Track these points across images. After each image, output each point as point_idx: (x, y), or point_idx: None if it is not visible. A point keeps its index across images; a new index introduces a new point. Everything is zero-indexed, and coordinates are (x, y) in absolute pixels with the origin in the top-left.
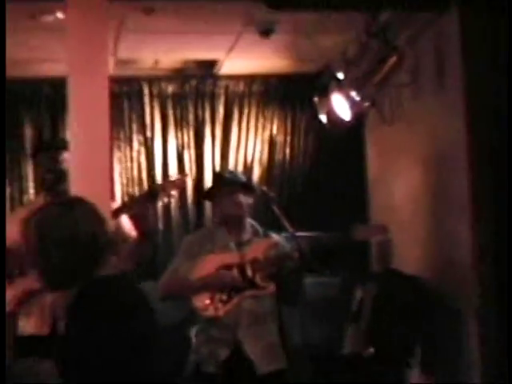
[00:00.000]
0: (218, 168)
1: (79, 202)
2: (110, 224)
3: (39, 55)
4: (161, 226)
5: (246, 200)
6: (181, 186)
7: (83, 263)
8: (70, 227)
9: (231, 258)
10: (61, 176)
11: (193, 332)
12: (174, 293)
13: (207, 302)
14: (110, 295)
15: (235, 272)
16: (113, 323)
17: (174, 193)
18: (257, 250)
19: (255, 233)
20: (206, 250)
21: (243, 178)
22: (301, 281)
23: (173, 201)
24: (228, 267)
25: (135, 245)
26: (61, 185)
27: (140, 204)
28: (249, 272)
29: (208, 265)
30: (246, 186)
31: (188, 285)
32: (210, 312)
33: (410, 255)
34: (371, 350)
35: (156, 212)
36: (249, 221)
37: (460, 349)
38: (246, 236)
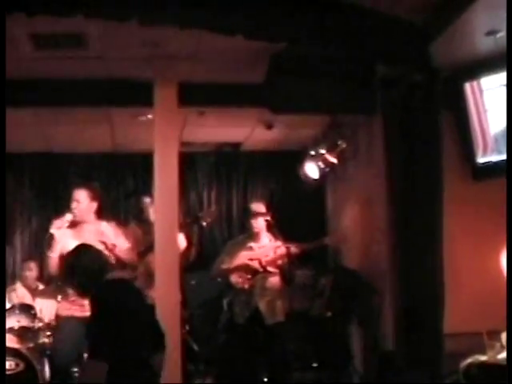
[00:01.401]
0: (240, 204)
1: (86, 248)
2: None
3: (137, 138)
4: (207, 238)
5: (262, 222)
6: (212, 215)
7: (94, 276)
8: (84, 261)
9: (254, 254)
10: (143, 211)
11: (224, 302)
12: (220, 274)
13: (239, 279)
14: (111, 288)
15: (256, 262)
16: (115, 301)
17: (208, 219)
18: (269, 250)
19: (269, 240)
20: (239, 249)
21: (261, 209)
22: (293, 270)
23: (208, 224)
24: (252, 260)
25: (185, 249)
26: (143, 216)
27: (187, 226)
28: (263, 263)
29: (241, 258)
30: (262, 214)
31: (227, 269)
32: (240, 285)
33: (351, 257)
34: (329, 313)
35: (199, 231)
36: (265, 233)
37: (379, 307)
38: (263, 242)
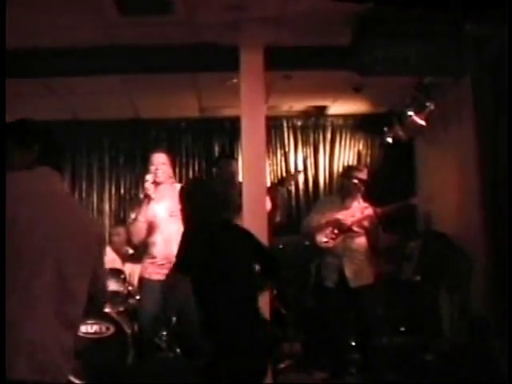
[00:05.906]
0: (327, 168)
1: (205, 180)
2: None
3: (224, 104)
4: (293, 202)
5: (355, 183)
6: (295, 178)
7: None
8: (207, 189)
9: (341, 214)
10: (234, 174)
11: (312, 266)
12: (309, 232)
13: (324, 238)
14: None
15: (344, 220)
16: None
17: (292, 182)
18: (356, 210)
19: (357, 202)
20: (328, 208)
21: (357, 172)
22: (377, 233)
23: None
24: (339, 219)
25: (270, 212)
26: (234, 179)
27: (272, 189)
28: (349, 223)
29: (330, 216)
30: (358, 178)
31: (316, 226)
32: (325, 244)
33: (441, 221)
34: (418, 277)
35: (283, 193)
36: (354, 194)
37: (469, 274)
38: (352, 202)
